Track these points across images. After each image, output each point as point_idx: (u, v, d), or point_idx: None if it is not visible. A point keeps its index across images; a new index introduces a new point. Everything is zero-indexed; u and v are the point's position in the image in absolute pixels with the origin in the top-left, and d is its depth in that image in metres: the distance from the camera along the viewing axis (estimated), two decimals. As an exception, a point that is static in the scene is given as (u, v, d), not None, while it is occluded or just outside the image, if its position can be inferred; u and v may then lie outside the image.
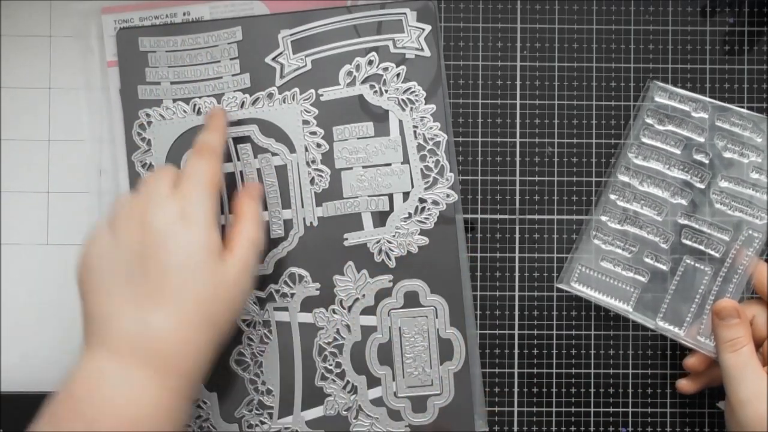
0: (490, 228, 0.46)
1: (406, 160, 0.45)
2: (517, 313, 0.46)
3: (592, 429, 0.46)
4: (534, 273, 0.46)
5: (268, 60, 0.45)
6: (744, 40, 0.47)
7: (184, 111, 0.45)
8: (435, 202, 0.45)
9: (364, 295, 0.45)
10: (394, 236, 0.45)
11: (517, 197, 0.46)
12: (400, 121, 0.45)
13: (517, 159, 0.47)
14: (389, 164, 0.45)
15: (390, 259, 0.45)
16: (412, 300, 0.45)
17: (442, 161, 0.45)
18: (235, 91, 0.45)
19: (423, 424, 0.45)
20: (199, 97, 0.45)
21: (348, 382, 0.45)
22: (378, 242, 0.45)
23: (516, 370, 0.46)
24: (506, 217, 0.46)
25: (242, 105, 0.45)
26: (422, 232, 0.45)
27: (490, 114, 0.46)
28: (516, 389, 0.46)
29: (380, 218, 0.45)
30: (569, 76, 0.47)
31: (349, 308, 0.45)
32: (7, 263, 0.46)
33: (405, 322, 0.45)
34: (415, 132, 0.45)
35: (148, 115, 0.45)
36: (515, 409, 0.46)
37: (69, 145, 0.46)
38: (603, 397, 0.46)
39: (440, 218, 0.45)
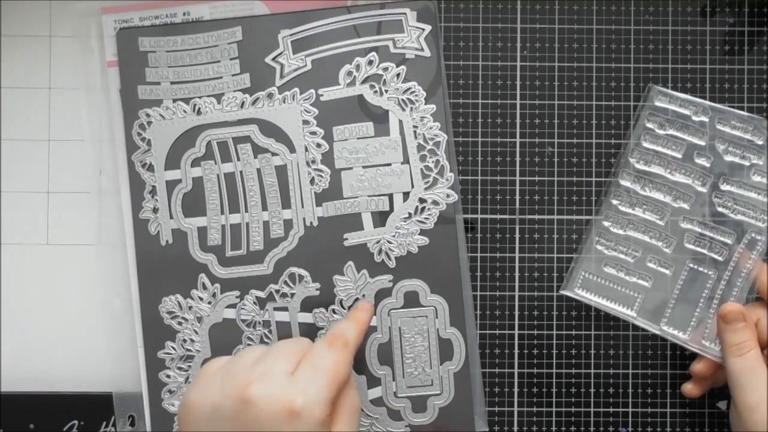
0: (490, 228, 0.46)
1: (406, 160, 0.45)
2: (517, 313, 0.46)
3: (592, 429, 0.46)
4: (534, 273, 0.46)
5: (268, 60, 0.45)
6: (744, 40, 0.47)
7: (184, 111, 0.45)
8: (435, 202, 0.45)
9: (364, 295, 0.45)
10: (394, 236, 0.45)
11: (517, 197, 0.46)
12: (400, 121, 0.45)
13: (517, 159, 0.47)
14: (389, 164, 0.45)
15: (390, 259, 0.45)
16: (412, 300, 0.45)
17: (442, 161, 0.45)
18: (235, 91, 0.45)
19: (423, 424, 0.45)
20: (199, 97, 0.45)
21: (348, 382, 0.45)
22: (378, 242, 0.45)
23: (516, 370, 0.46)
24: (506, 217, 0.46)
25: (242, 105, 0.45)
26: (422, 232, 0.45)
27: (490, 114, 0.46)
28: (516, 389, 0.46)
29: (380, 218, 0.45)
30: (569, 76, 0.47)
31: (349, 308, 0.45)
32: (7, 263, 0.46)
33: (405, 322, 0.45)
34: (415, 132, 0.45)
35: (148, 115, 0.45)
36: (515, 409, 0.46)
37: (69, 145, 0.46)
38: (603, 397, 0.46)
39: (440, 218, 0.45)
